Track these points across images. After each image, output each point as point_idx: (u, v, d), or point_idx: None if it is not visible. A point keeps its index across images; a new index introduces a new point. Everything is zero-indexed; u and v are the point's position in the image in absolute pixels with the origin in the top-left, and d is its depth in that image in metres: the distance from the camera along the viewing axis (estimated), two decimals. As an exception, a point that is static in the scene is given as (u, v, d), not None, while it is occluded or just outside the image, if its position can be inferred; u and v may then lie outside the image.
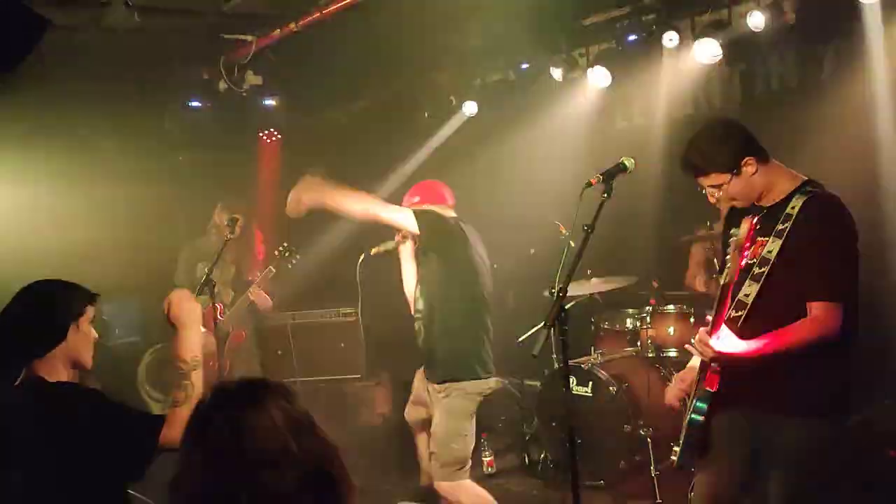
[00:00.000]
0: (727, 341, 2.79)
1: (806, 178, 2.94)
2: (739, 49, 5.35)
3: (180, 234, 6.56)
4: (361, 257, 4.45)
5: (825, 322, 2.74)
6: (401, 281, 4.54)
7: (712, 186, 2.93)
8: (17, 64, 3.36)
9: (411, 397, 4.63)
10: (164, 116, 7.07)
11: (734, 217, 3.14)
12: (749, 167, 2.88)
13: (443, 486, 4.20)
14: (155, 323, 7.07)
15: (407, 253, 4.48)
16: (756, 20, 5.01)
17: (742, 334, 2.79)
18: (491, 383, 4.25)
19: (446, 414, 4.16)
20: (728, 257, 3.08)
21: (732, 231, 3.11)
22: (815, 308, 2.76)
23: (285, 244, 5.67)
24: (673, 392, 3.23)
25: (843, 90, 5.14)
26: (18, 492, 2.35)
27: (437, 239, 4.15)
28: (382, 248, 4.49)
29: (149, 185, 6.99)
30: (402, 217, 4.07)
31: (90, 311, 2.60)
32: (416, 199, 4.38)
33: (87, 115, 6.69)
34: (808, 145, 4.81)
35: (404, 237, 4.41)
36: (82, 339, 2.57)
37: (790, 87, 5.67)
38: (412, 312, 4.44)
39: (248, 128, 7.54)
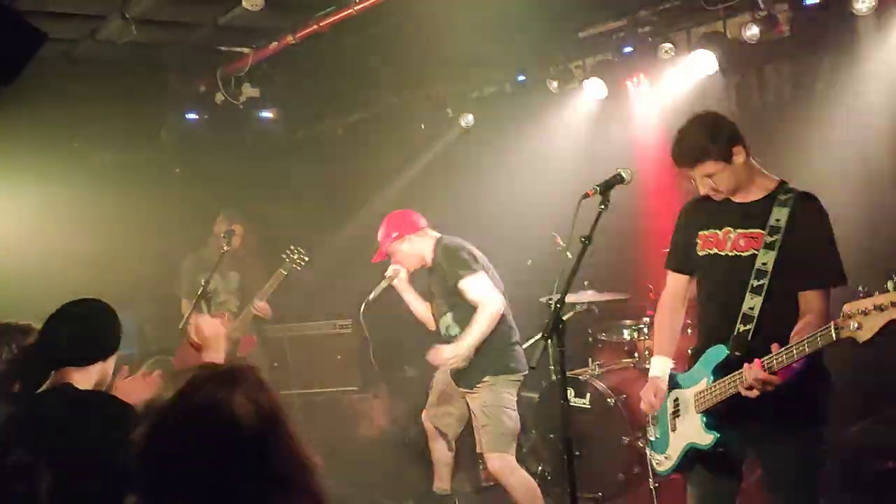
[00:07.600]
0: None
1: (779, 180, 3.00)
2: (735, 60, 5.37)
3: (176, 246, 6.54)
4: (363, 305, 4.54)
5: (823, 311, 2.79)
6: (407, 310, 4.69)
7: (706, 176, 2.95)
8: (13, 77, 3.36)
9: (432, 398, 4.71)
10: (161, 128, 7.08)
11: (692, 210, 3.17)
12: (738, 156, 2.93)
13: (494, 462, 4.31)
14: (151, 334, 7.08)
15: (403, 284, 4.60)
16: (751, 32, 5.04)
17: (753, 347, 2.81)
18: (521, 375, 4.44)
19: (491, 394, 4.33)
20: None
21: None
22: (810, 296, 2.82)
23: (293, 246, 5.67)
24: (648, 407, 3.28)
25: (838, 101, 5.16)
26: (46, 496, 2.33)
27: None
28: (380, 289, 4.58)
29: (145, 197, 6.98)
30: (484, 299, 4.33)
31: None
32: (395, 234, 4.47)
33: (84, 128, 6.70)
34: (803, 156, 4.82)
35: (396, 272, 4.53)
36: None
37: (785, 98, 5.69)
38: (440, 333, 4.53)
39: (245, 139, 7.55)
